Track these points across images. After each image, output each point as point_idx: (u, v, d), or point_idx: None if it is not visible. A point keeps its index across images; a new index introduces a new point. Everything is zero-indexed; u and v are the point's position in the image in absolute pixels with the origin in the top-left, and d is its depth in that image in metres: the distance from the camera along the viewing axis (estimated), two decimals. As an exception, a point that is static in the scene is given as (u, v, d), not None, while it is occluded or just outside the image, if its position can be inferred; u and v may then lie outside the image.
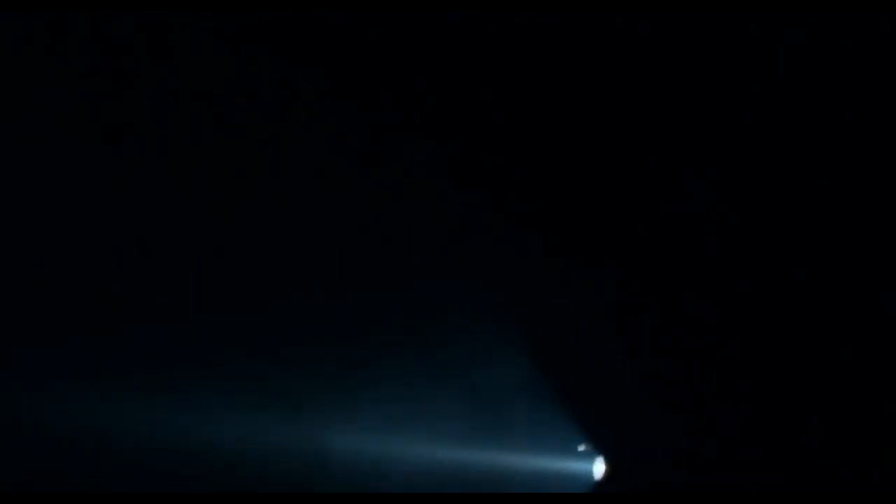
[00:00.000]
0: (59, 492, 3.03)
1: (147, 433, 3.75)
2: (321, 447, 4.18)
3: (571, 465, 3.75)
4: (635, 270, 3.07)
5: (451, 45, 3.18)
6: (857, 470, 2.49)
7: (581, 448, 3.68)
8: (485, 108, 3.41)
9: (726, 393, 2.81)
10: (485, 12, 2.94)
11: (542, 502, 3.24)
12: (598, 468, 3.61)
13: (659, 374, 2.98)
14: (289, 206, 3.23)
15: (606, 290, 3.16)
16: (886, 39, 2.54)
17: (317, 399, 4.21)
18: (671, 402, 2.97)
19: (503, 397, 4.12)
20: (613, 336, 3.12)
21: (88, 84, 2.73)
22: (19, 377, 3.37)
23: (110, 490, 3.19)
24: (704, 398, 2.88)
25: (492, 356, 3.95)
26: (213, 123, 3.02)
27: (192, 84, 2.97)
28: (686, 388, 2.92)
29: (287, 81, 3.12)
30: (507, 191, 3.37)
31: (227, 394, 3.97)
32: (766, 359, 2.74)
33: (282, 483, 3.94)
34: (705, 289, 2.91)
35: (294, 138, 3.18)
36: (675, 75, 2.97)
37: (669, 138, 2.99)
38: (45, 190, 2.70)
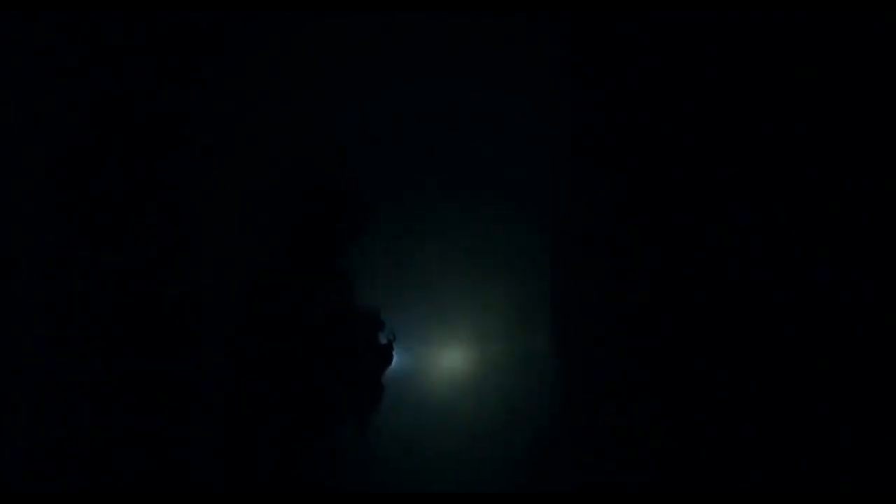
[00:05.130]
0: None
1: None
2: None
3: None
4: (633, 268, 3.06)
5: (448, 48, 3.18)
6: (856, 470, 2.49)
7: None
8: (484, 107, 3.41)
9: (722, 392, 2.82)
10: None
11: (542, 502, 3.23)
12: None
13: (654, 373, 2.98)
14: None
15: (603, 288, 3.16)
16: (886, 39, 2.54)
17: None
18: (668, 402, 2.97)
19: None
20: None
21: (88, 84, 2.74)
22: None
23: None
24: (701, 397, 2.88)
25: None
26: (213, 123, 3.02)
27: (193, 84, 2.97)
28: (684, 387, 2.92)
29: (287, 82, 3.12)
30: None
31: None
32: (761, 358, 2.74)
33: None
34: (701, 288, 2.91)
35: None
36: (674, 76, 2.97)
37: (668, 139, 2.99)
38: (44, 189, 2.70)
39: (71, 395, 2.60)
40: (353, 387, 3.23)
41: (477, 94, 3.39)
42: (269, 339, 3.04)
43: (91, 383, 2.63)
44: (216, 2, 2.84)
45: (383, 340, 3.30)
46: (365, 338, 3.27)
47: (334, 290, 3.26)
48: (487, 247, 3.75)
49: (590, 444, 3.09)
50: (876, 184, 2.58)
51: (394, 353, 3.33)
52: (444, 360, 3.70)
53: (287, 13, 2.94)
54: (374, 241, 3.43)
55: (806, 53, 2.71)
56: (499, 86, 3.34)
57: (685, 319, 2.92)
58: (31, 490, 2.47)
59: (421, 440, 3.50)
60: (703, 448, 2.79)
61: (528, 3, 3.03)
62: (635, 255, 3.02)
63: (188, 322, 2.84)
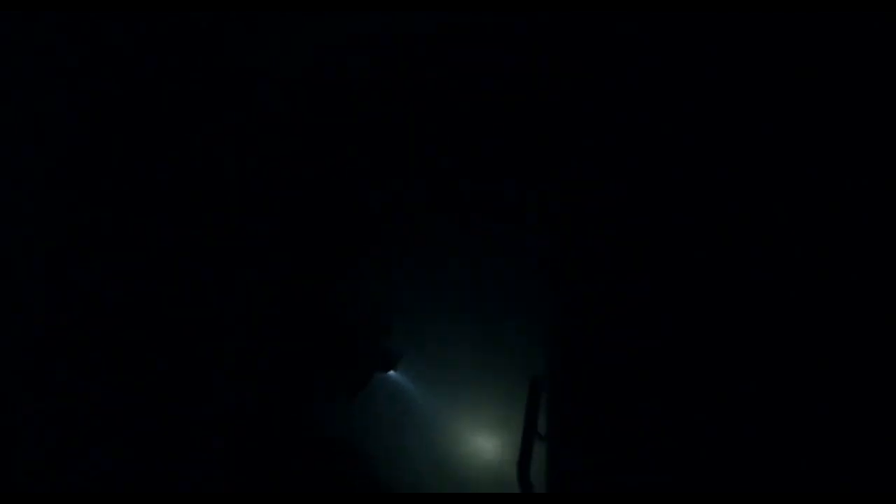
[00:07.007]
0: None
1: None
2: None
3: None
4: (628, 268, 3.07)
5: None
6: (856, 470, 2.50)
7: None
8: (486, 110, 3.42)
9: (717, 391, 2.82)
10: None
11: (541, 502, 3.24)
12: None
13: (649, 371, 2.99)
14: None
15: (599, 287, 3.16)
16: (886, 39, 2.54)
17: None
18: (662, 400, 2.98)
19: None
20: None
21: (88, 84, 2.74)
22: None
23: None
24: (698, 396, 2.88)
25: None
26: (213, 123, 3.03)
27: (193, 84, 2.98)
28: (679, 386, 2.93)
29: (286, 83, 3.13)
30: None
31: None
32: (759, 358, 2.75)
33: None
34: (700, 287, 2.92)
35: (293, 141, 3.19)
36: (671, 77, 2.97)
37: (666, 140, 3.00)
38: (44, 189, 2.71)
39: (71, 396, 2.60)
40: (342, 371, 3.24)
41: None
42: (269, 327, 3.06)
43: (92, 383, 2.63)
44: (216, 2, 2.84)
45: (389, 346, 3.28)
46: (369, 335, 3.27)
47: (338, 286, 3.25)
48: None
49: (589, 445, 3.09)
50: (876, 184, 2.58)
51: (395, 366, 3.30)
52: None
53: (287, 13, 2.94)
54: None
55: (806, 53, 2.72)
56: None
57: (684, 321, 2.92)
58: (30, 490, 2.47)
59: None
60: (703, 448, 2.79)
61: (529, 3, 3.03)
62: (634, 260, 3.03)
63: (189, 322, 2.84)
